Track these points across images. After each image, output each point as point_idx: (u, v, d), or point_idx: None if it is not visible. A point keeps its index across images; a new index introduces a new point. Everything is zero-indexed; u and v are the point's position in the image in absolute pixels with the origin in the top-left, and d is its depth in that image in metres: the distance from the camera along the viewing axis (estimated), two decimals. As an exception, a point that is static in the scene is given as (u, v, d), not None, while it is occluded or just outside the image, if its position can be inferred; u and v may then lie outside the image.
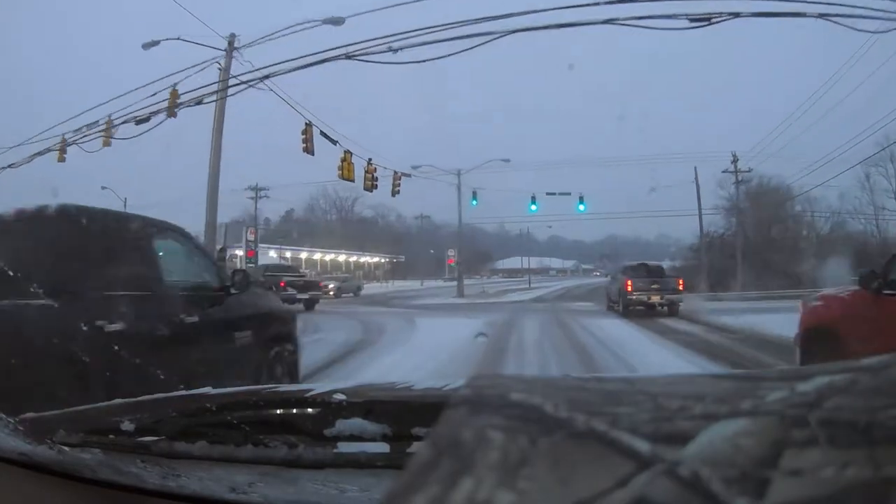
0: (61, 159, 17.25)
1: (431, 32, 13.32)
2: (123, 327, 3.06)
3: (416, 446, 1.01)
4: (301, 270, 29.30)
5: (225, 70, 16.13)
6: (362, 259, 68.97)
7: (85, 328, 2.85)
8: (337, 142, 18.03)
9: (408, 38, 13.45)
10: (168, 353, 3.22)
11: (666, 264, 25.75)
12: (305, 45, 15.45)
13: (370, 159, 20.18)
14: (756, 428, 0.39)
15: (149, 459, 1.06)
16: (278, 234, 60.23)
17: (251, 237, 38.21)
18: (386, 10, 14.05)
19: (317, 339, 11.44)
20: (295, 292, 21.65)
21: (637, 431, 0.39)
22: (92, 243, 3.34)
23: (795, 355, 5.02)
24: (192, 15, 15.15)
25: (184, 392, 1.42)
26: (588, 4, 12.39)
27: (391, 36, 13.59)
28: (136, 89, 15.72)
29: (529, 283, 51.13)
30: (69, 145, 16.98)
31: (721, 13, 12.21)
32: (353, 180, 19.49)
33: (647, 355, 9.15)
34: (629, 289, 17.51)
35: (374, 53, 14.00)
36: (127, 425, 1.15)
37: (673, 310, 17.14)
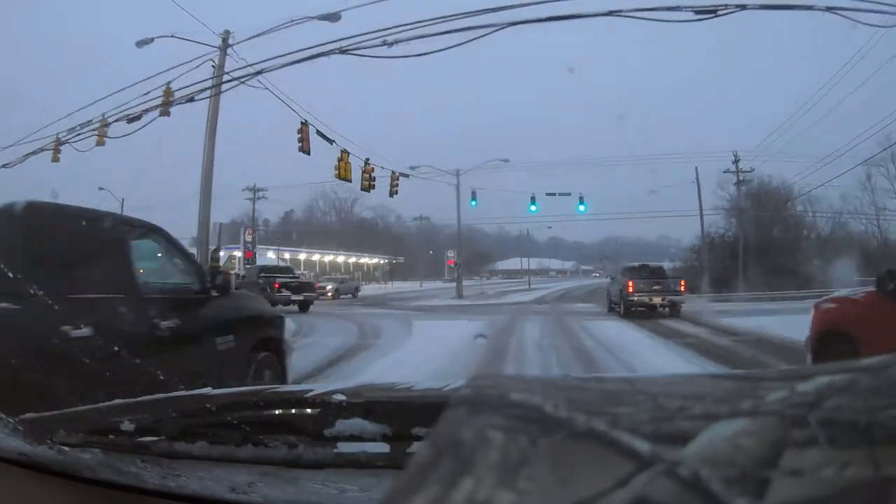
0: (55, 159, 17.05)
1: (427, 25, 12.98)
2: (91, 332, 2.86)
3: (416, 446, 1.01)
4: (296, 272, 29.20)
5: (219, 67, 15.99)
6: (361, 260, 69.01)
7: (48, 333, 2.71)
8: (333, 141, 17.94)
9: (403, 31, 13.14)
10: (140, 360, 2.97)
11: (666, 265, 25.65)
12: (301, 42, 15.18)
13: (367, 159, 20.16)
14: (756, 428, 0.39)
15: (149, 459, 1.06)
16: (277, 235, 60.26)
17: (249, 238, 38.22)
18: (380, 2, 13.71)
19: (309, 342, 11.28)
20: (289, 294, 21.54)
21: (637, 431, 0.39)
22: (59, 243, 3.19)
23: (807, 359, 4.87)
24: (186, 12, 15.06)
25: (184, 392, 1.43)
26: (590, -4, 12.18)
27: (386, 30, 13.27)
28: (126, 88, 15.63)
29: (529, 284, 51.16)
30: (62, 144, 16.82)
31: (727, 5, 11.81)
32: (349, 180, 19.36)
33: (654, 361, 8.74)
34: (630, 290, 17.37)
35: (368, 48, 13.69)
36: (127, 425, 1.15)
37: (675, 311, 17.04)
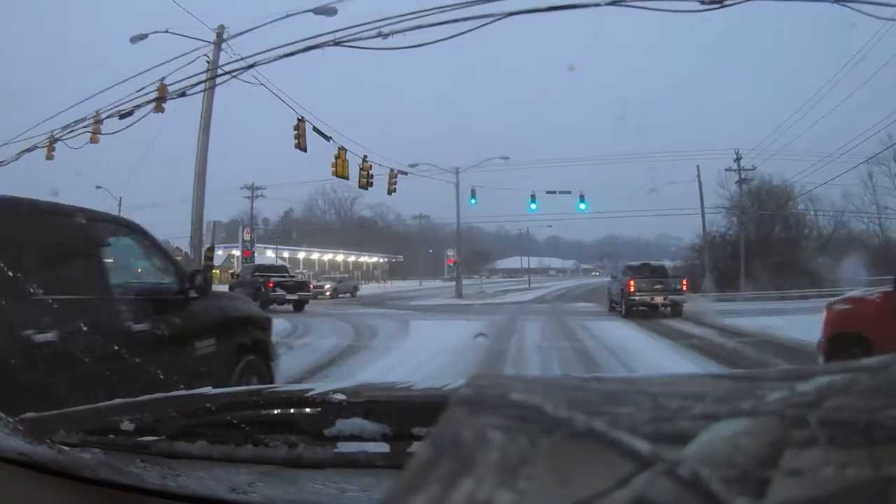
0: (49, 157, 16.92)
1: (423, 16, 12.68)
2: (56, 336, 2.71)
3: (416, 446, 1.01)
4: (292, 270, 29.13)
5: (213, 62, 15.87)
6: (361, 259, 69.07)
7: (9, 337, 2.56)
8: (330, 138, 17.83)
9: (399, 22, 12.83)
10: (111, 365, 2.84)
11: (667, 264, 25.62)
12: (295, 37, 14.95)
13: (365, 156, 20.13)
14: (756, 428, 0.39)
15: (149, 459, 1.07)
16: (277, 233, 60.29)
17: (248, 237, 38.23)
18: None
19: (300, 343, 11.08)
20: (284, 293, 21.40)
21: (637, 431, 0.39)
22: (21, 239, 3.00)
23: (818, 363, 4.69)
24: (180, 7, 14.98)
25: (184, 392, 1.43)
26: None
27: (381, 20, 13.00)
28: (119, 84, 15.54)
29: (529, 283, 51.16)
30: (56, 142, 16.68)
31: (734, -6, 11.34)
32: (347, 178, 19.27)
33: (660, 363, 8.44)
34: (632, 289, 17.21)
35: (363, 39, 13.45)
36: (127, 425, 1.15)
37: (676, 311, 16.90)
